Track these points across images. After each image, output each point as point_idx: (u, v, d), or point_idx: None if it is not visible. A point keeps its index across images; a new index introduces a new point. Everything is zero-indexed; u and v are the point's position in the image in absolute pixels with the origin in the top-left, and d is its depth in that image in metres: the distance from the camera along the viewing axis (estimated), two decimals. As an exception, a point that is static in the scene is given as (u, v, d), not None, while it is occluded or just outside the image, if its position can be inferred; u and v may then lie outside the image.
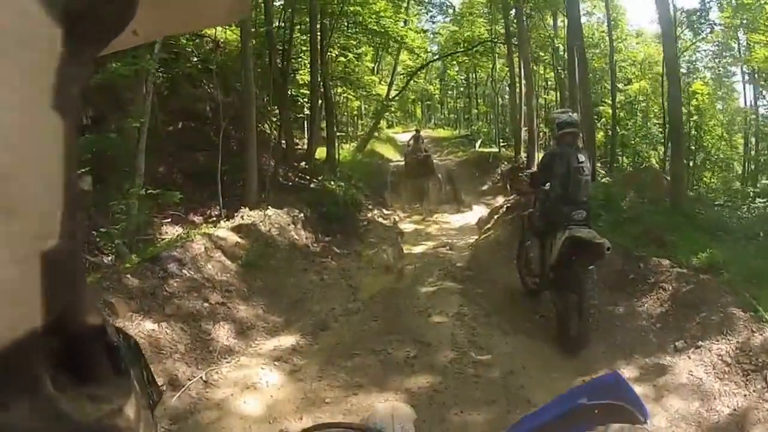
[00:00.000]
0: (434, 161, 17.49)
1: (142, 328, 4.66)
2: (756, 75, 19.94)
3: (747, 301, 4.95)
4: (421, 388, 4.41)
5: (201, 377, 4.49)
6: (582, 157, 5.45)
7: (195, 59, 9.31)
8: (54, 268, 0.26)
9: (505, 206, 10.89)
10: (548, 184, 5.53)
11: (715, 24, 18.89)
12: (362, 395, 4.30)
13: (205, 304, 5.44)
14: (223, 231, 6.93)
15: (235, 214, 7.84)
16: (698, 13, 18.25)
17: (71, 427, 0.28)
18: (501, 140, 22.25)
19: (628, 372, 4.59)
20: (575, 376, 4.55)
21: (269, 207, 8.49)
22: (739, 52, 20.11)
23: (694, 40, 19.51)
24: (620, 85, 21.10)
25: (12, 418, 0.25)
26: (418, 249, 10.44)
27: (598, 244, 4.88)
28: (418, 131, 18.76)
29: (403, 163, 17.33)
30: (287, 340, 5.36)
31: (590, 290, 4.89)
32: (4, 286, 0.24)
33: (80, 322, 0.32)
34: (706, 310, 5.02)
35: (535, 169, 6.87)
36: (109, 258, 6.65)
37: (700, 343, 4.72)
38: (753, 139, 20.58)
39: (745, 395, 4.09)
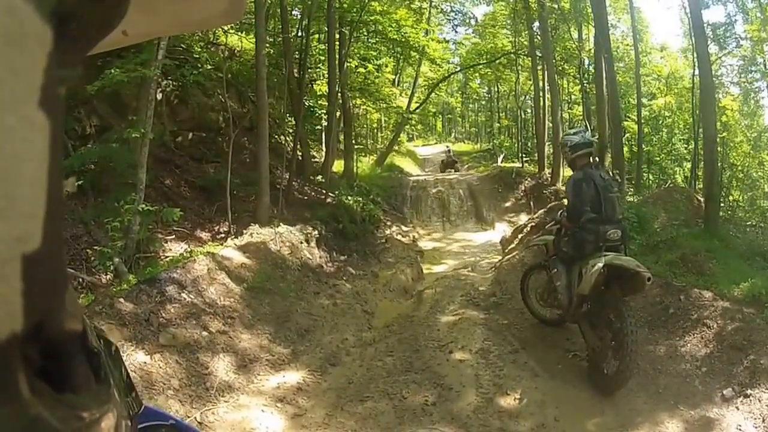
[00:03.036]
0: (458, 170, 21.87)
1: (133, 359, 4.22)
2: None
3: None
4: (440, 445, 3.89)
5: (195, 417, 4.05)
6: (605, 175, 5.15)
7: (208, 67, 8.84)
8: (35, 272, 0.26)
9: (529, 225, 10.42)
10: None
11: (741, 38, 18.29)
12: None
13: (204, 333, 4.97)
14: (229, 250, 6.47)
15: (245, 231, 7.37)
16: (724, 27, 17.63)
17: None
18: (524, 155, 21.72)
19: (672, 427, 4.17)
20: (615, 431, 4.15)
21: (281, 223, 8.04)
22: (765, 66, 19.47)
23: (719, 55, 18.83)
24: (644, 100, 20.43)
25: None
26: (438, 269, 10.06)
27: (638, 274, 4.45)
28: (448, 146, 27.01)
29: (423, 178, 19.39)
30: (293, 377, 4.86)
31: (632, 325, 4.39)
32: None
33: (61, 328, 0.31)
34: (754, 353, 4.57)
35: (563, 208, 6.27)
36: (107, 277, 6.21)
37: (748, 391, 4.28)
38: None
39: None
